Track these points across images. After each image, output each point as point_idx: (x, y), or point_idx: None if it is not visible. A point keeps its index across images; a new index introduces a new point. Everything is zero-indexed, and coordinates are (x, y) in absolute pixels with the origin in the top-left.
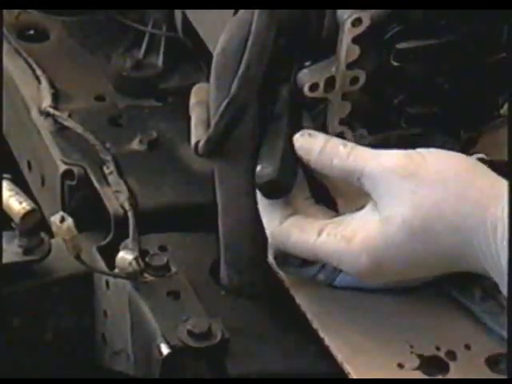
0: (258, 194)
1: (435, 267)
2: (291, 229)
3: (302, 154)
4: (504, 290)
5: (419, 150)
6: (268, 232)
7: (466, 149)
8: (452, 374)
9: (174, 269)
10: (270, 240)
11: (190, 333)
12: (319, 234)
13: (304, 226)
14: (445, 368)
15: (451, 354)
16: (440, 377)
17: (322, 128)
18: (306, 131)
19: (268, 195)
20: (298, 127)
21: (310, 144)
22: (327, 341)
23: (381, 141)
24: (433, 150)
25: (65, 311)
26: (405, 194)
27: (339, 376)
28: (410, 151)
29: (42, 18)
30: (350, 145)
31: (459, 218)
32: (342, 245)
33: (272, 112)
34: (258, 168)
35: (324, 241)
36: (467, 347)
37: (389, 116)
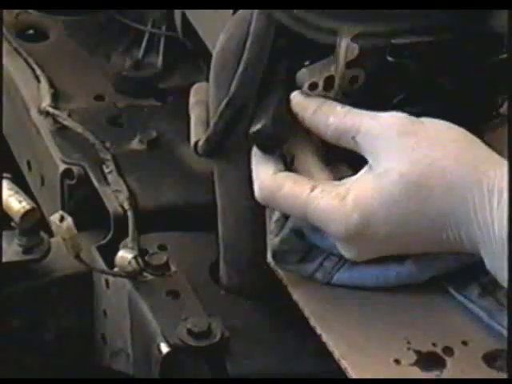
0: (253, 151)
1: (425, 234)
2: (284, 180)
3: (298, 110)
4: (491, 265)
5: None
6: (258, 182)
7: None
8: (449, 370)
9: (173, 268)
10: (257, 192)
11: (189, 332)
12: (312, 189)
13: (298, 180)
14: (442, 364)
15: (448, 350)
16: (437, 373)
17: None
18: (304, 90)
19: (261, 145)
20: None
21: (307, 101)
22: (324, 337)
23: None
24: (432, 119)
25: (64, 310)
26: (403, 149)
27: (338, 376)
28: (409, 116)
29: (41, 17)
30: (348, 106)
31: (456, 178)
32: (334, 202)
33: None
34: (252, 124)
35: (316, 196)
36: (464, 343)
37: None
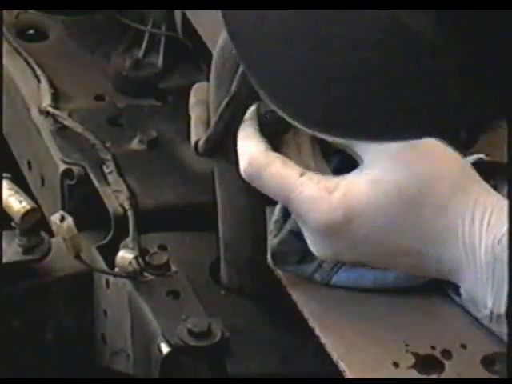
0: (244, 125)
1: (406, 249)
2: (275, 159)
3: None
4: (471, 290)
5: None
6: (247, 156)
7: (465, 148)
8: (447, 373)
9: (173, 268)
10: (245, 166)
11: (189, 332)
12: (301, 174)
13: (288, 163)
14: (440, 367)
15: (447, 353)
16: (435, 376)
17: None
18: None
19: (268, 128)
20: None
21: None
22: (323, 339)
23: None
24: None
25: (65, 310)
26: (401, 161)
27: (338, 376)
28: None
29: (41, 17)
30: None
31: (449, 201)
32: (321, 193)
33: None
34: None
35: (304, 182)
36: (463, 346)
37: None
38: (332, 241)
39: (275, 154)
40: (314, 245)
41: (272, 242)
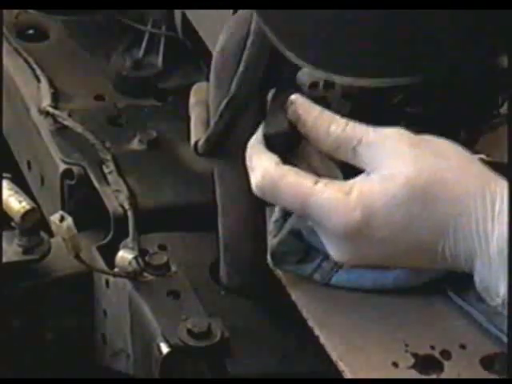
0: (253, 141)
1: (422, 244)
2: (288, 171)
3: (300, 112)
4: (485, 277)
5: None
6: (260, 171)
7: (465, 148)
8: (446, 374)
9: (173, 268)
10: (259, 180)
11: (189, 332)
12: (316, 182)
13: (301, 173)
14: (439, 367)
15: (446, 354)
16: (434, 376)
17: None
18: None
19: (276, 148)
20: None
21: (310, 106)
22: (322, 339)
23: None
24: (432, 136)
25: (64, 310)
26: (408, 157)
27: (338, 376)
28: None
29: (41, 17)
30: (347, 118)
31: (460, 189)
32: (338, 196)
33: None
34: (269, 126)
35: (320, 189)
36: (462, 347)
37: (388, 115)
38: (352, 243)
39: (287, 167)
40: (334, 250)
41: (272, 241)
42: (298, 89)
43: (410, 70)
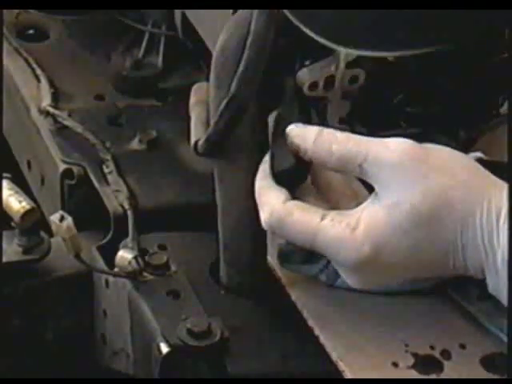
0: (260, 177)
1: (433, 263)
2: (294, 208)
3: (298, 142)
4: (495, 287)
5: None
6: (268, 208)
7: (465, 148)
8: (446, 374)
9: (173, 268)
10: (267, 217)
11: (189, 332)
12: (323, 218)
13: (308, 208)
14: (439, 367)
15: (446, 353)
16: (434, 376)
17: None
18: (298, 123)
19: (284, 183)
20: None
21: (305, 131)
22: (322, 339)
23: None
24: (434, 145)
25: (64, 310)
26: (414, 178)
27: (339, 376)
28: (414, 142)
29: (41, 17)
30: (346, 132)
31: (465, 205)
32: (345, 232)
33: (281, 106)
34: (275, 160)
35: (327, 225)
36: (462, 347)
37: (388, 115)
38: (362, 274)
39: (294, 202)
40: (347, 278)
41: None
42: (298, 91)
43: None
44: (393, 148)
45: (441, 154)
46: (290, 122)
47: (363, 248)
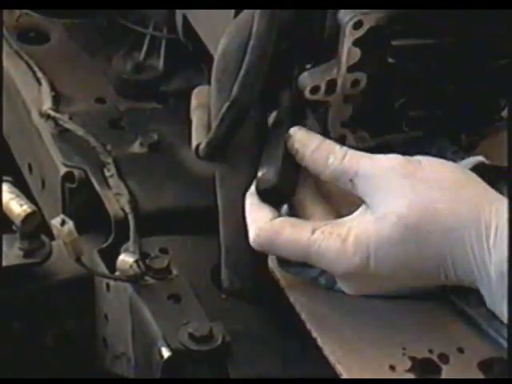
0: (248, 194)
1: (424, 275)
2: (283, 225)
3: (298, 147)
4: (489, 301)
5: (415, 157)
6: (255, 227)
7: (467, 151)
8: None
9: (174, 272)
10: (254, 238)
11: (190, 336)
12: (313, 232)
13: (297, 224)
14: (437, 371)
15: (444, 357)
16: None
17: (324, 130)
18: (303, 127)
19: (269, 201)
20: None
21: (308, 139)
22: (320, 342)
23: (382, 144)
24: (428, 157)
25: (65, 314)
26: (401, 190)
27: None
28: (406, 156)
29: (42, 20)
30: (346, 147)
31: (453, 219)
32: (336, 243)
33: (275, 117)
34: (259, 174)
35: (317, 238)
36: (460, 351)
37: (390, 119)
38: (355, 282)
39: (281, 220)
40: (342, 286)
41: None
42: (300, 95)
43: None
44: (382, 163)
45: (431, 166)
46: (291, 122)
47: (353, 259)
